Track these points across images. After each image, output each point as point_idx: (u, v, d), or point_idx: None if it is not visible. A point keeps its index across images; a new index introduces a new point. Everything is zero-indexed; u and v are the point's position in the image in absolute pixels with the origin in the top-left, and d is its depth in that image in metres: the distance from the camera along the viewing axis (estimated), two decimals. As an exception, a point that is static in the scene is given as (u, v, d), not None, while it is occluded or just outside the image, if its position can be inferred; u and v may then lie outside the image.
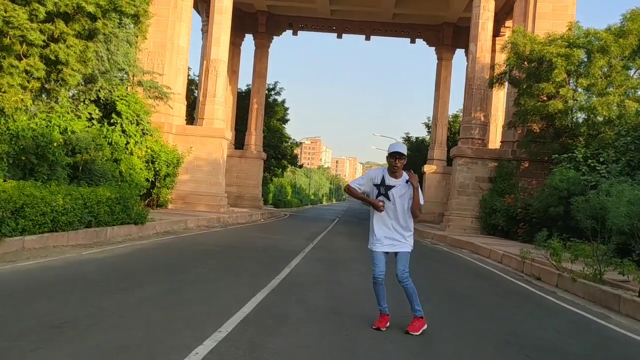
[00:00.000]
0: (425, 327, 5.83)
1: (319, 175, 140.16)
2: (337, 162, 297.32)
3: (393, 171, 5.81)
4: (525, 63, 21.88)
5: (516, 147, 24.99)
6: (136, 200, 17.60)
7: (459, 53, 37.87)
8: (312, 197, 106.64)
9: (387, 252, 5.91)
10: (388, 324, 5.93)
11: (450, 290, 9.51)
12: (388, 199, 5.80)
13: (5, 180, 11.37)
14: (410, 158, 43.92)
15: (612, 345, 6.41)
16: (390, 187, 5.80)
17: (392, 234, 5.83)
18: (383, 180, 5.83)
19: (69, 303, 6.04)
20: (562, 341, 6.23)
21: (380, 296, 5.93)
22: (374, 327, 5.84)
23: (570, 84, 21.35)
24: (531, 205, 19.80)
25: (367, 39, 39.07)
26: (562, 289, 10.59)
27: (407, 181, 5.78)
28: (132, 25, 19.65)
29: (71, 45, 13.08)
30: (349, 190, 6.05)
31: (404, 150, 5.81)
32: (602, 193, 10.52)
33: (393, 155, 5.78)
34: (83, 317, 5.42)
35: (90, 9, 12.86)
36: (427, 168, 36.98)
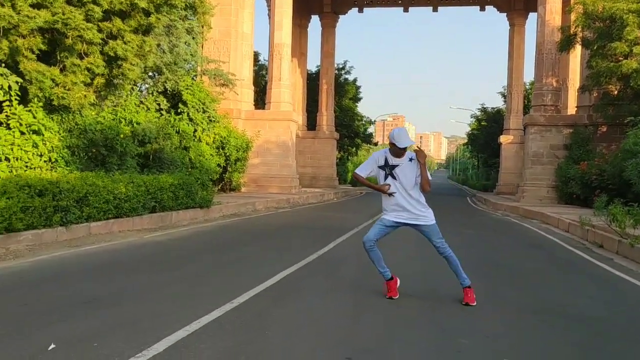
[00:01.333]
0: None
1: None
2: (420, 137, 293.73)
3: (396, 154, 5.84)
4: (596, 22, 20.74)
5: (592, 111, 23.84)
6: (206, 185, 18.36)
7: (533, 17, 36.27)
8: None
9: (396, 224, 5.95)
10: (398, 283, 6.03)
11: (498, 260, 9.39)
12: (394, 178, 5.85)
13: (71, 172, 12.26)
14: (487, 129, 43.08)
15: (644, 310, 6.19)
16: (394, 167, 5.83)
17: (408, 208, 5.87)
18: (386, 161, 5.87)
19: (109, 281, 6.55)
20: (590, 306, 6.08)
21: (375, 260, 5.95)
22: (387, 296, 5.96)
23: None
24: (605, 171, 18.91)
25: (435, 10, 38.21)
26: (622, 256, 10.20)
27: (410, 159, 5.80)
28: (194, 17, 20.37)
29: (128, 41, 13.73)
30: (356, 177, 6.08)
31: (409, 143, 5.75)
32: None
33: (402, 148, 5.76)
34: (114, 293, 5.89)
35: (143, 4, 13.45)
36: (504, 139, 35.95)
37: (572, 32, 23.06)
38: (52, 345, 4.04)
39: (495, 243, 12.00)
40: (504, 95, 42.75)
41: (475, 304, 5.77)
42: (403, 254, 8.90)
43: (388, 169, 5.85)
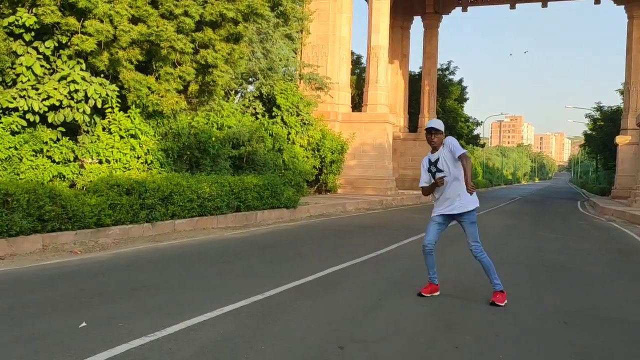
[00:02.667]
0: (506, 301, 5.86)
1: (517, 154, 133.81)
2: (540, 138, 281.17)
3: (432, 146, 5.96)
4: None
5: None
6: (301, 186, 18.92)
7: (654, 8, 33.74)
8: (510, 176, 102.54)
9: (444, 218, 6.02)
10: (437, 293, 6.11)
11: (563, 264, 9.00)
12: (441, 170, 5.93)
13: (163, 173, 13.25)
14: (604, 129, 40.65)
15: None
16: (436, 162, 5.96)
17: (452, 197, 5.92)
18: (429, 161, 6.02)
19: (166, 271, 7.15)
20: (630, 312, 5.77)
21: (429, 265, 6.11)
22: (417, 292, 6.06)
23: None
24: None
25: (544, 5, 36.60)
26: None
27: (443, 146, 5.90)
28: (286, 25, 21.11)
29: (219, 50, 14.60)
30: (423, 191, 6.17)
31: (438, 125, 5.92)
32: None
33: (429, 131, 5.95)
34: (164, 282, 6.44)
35: (231, 14, 14.24)
36: (620, 139, 33.86)
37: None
38: (83, 324, 4.58)
39: (574, 247, 11.47)
40: (622, 93, 40.14)
41: (502, 304, 5.72)
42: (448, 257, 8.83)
43: (433, 167, 5.98)
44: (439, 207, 6.03)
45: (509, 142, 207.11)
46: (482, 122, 50.53)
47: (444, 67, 43.55)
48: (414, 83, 39.68)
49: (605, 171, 49.66)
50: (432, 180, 5.97)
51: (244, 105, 20.69)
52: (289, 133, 21.53)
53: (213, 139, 15.79)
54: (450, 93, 42.95)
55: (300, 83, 24.27)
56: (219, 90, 16.13)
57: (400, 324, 4.98)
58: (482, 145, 55.07)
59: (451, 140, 5.94)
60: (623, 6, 34.97)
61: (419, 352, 4.22)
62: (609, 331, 5.01)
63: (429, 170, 6.02)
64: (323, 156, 23.47)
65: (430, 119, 37.84)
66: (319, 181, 24.33)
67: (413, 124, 38.53)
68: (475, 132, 48.62)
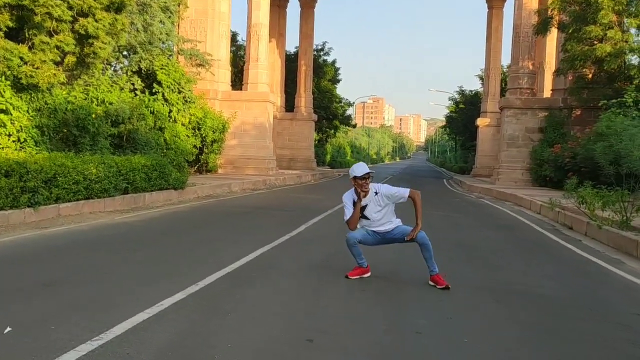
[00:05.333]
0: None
1: (380, 134, 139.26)
2: (400, 119, 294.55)
3: (364, 191, 5.98)
4: (572, 6, 20.85)
5: (567, 94, 24.05)
6: (182, 166, 18.16)
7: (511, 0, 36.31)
8: (374, 156, 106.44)
9: (378, 234, 6.11)
10: (368, 274, 6.12)
11: (463, 241, 9.43)
12: (367, 218, 6.03)
13: (40, 152, 12.07)
14: (465, 112, 43.29)
15: (601, 289, 6.27)
16: (363, 208, 6.00)
17: (384, 234, 6.10)
18: (353, 202, 6.04)
19: (71, 263, 6.48)
20: (543, 285, 6.16)
21: (356, 254, 6.11)
22: (346, 274, 6.08)
23: (624, 25, 20.25)
24: (578, 154, 19.15)
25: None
26: (590, 237, 10.38)
27: (375, 193, 5.97)
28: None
29: (100, 19, 13.50)
30: (349, 223, 6.11)
31: (367, 169, 6.00)
32: (626, 137, 10.07)
33: (362, 178, 5.93)
34: (75, 275, 5.83)
35: (113, -19, 13.21)
36: (480, 121, 36.19)
37: (548, 15, 23.13)
38: (8, 329, 3.98)
39: (464, 224, 12.10)
40: (481, 78, 42.96)
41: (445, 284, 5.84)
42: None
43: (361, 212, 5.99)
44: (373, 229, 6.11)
45: (372, 123, 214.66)
46: (353, 102, 51.87)
47: (319, 47, 43.99)
48: (290, 63, 39.64)
49: (463, 151, 53.08)
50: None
51: (122, 80, 19.41)
52: (171, 111, 20.60)
53: (93, 115, 14.66)
54: (325, 73, 43.45)
55: (179, 59, 23.23)
56: (98, 63, 14.96)
57: (353, 311, 4.88)
58: (354, 126, 56.58)
59: (384, 189, 6.04)
60: (484, -4, 37.28)
61: (388, 340, 4.14)
62: (534, 306, 5.29)
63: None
64: (204, 135, 22.77)
65: (307, 99, 38.18)
66: (199, 161, 23.59)
67: (290, 104, 38.56)
68: (347, 113, 49.80)
